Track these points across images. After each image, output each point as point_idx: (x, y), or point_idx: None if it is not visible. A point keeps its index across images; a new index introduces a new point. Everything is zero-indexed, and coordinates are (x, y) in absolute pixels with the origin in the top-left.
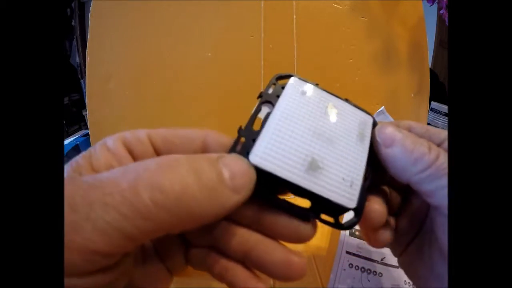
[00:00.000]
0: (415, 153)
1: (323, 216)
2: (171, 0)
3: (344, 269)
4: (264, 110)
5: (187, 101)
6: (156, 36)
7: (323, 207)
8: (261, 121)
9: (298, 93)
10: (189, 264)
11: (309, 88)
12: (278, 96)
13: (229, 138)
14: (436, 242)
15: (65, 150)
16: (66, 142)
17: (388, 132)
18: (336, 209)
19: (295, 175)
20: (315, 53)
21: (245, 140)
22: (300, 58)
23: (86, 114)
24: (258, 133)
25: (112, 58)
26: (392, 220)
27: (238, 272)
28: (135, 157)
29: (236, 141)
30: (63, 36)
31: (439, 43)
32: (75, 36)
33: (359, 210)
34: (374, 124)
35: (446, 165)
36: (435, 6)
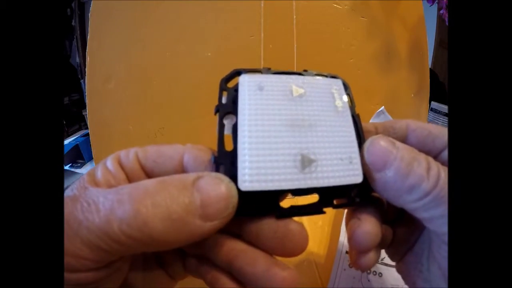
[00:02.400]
0: (410, 179)
1: (336, 201)
2: (171, 0)
3: (344, 269)
4: (229, 123)
5: (187, 101)
6: (156, 36)
7: (333, 194)
8: (231, 137)
9: (255, 90)
10: (187, 272)
11: (264, 79)
12: (235, 102)
13: (208, 153)
14: (435, 259)
15: (65, 150)
16: (66, 142)
17: (378, 151)
18: (347, 190)
19: (293, 181)
20: (315, 53)
21: (224, 167)
22: (300, 58)
23: (86, 114)
24: (234, 153)
25: (112, 58)
26: (387, 229)
27: (225, 282)
28: (126, 174)
29: (217, 169)
30: (63, 36)
31: (439, 43)
32: (75, 36)
33: (365, 180)
34: (345, 84)
35: (446, 190)
36: (435, 6)
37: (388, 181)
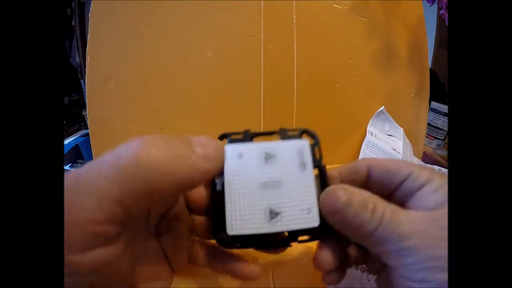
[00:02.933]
0: (356, 221)
1: (301, 238)
2: (171, 0)
3: None
4: (219, 182)
5: (187, 101)
6: (156, 36)
7: (297, 234)
8: (223, 192)
9: (236, 157)
10: (192, 263)
11: (242, 148)
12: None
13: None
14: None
15: (65, 150)
16: (66, 142)
17: (329, 200)
18: (306, 231)
19: (263, 228)
20: (315, 53)
21: (214, 219)
22: (300, 58)
23: (86, 114)
24: (222, 208)
25: (112, 58)
26: (358, 251)
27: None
28: None
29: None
30: (63, 36)
31: (439, 43)
32: (75, 36)
33: (323, 221)
34: (312, 145)
35: (391, 229)
36: (435, 6)
37: (339, 223)
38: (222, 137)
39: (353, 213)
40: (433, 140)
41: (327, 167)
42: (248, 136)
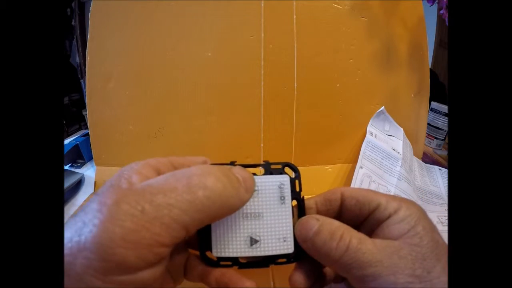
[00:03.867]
0: (323, 250)
1: (279, 260)
2: (171, 0)
3: None
4: None
5: (187, 101)
6: (156, 36)
7: (274, 258)
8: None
9: None
10: (187, 277)
11: None
12: None
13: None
14: None
15: (65, 150)
16: (66, 142)
17: (301, 230)
18: (283, 256)
19: (244, 252)
20: (315, 53)
21: (201, 240)
22: (300, 58)
23: (86, 114)
24: (209, 231)
25: (112, 58)
26: (330, 271)
27: (232, 274)
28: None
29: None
30: (63, 36)
31: (439, 43)
32: (75, 36)
33: (298, 247)
34: (292, 179)
35: (356, 257)
36: (435, 6)
37: (310, 250)
38: None
39: (321, 242)
40: (433, 140)
41: (307, 196)
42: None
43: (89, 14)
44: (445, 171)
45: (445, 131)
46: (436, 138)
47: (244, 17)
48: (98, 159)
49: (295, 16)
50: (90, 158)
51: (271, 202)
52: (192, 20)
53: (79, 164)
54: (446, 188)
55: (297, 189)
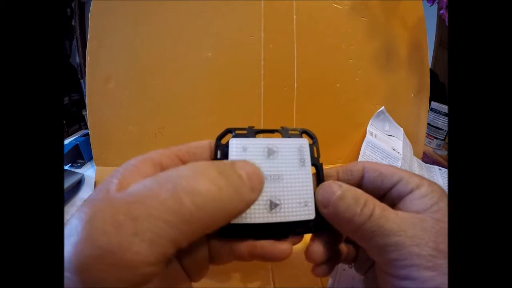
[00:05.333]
0: (346, 216)
1: (298, 230)
2: (171, 0)
3: (344, 269)
4: None
5: (187, 101)
6: (156, 36)
7: (294, 226)
8: None
9: (240, 150)
10: (216, 263)
11: (247, 142)
12: (226, 157)
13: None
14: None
15: (65, 150)
16: (66, 142)
17: (324, 193)
18: (304, 223)
19: (263, 218)
20: (315, 53)
21: None
22: (300, 58)
23: (86, 114)
24: None
25: (112, 58)
26: (349, 248)
27: (264, 243)
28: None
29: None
30: (63, 36)
31: (439, 43)
32: (75, 36)
33: (318, 215)
34: (311, 144)
35: (379, 225)
36: (435, 6)
37: (331, 216)
38: (227, 131)
39: (345, 207)
40: (433, 140)
41: (326, 167)
42: (252, 132)
43: (89, 14)
44: (445, 171)
45: (445, 131)
46: (436, 138)
47: (244, 17)
48: (98, 159)
49: (295, 16)
50: (90, 158)
51: (291, 164)
52: (192, 20)
53: (79, 164)
54: (446, 188)
55: (315, 155)
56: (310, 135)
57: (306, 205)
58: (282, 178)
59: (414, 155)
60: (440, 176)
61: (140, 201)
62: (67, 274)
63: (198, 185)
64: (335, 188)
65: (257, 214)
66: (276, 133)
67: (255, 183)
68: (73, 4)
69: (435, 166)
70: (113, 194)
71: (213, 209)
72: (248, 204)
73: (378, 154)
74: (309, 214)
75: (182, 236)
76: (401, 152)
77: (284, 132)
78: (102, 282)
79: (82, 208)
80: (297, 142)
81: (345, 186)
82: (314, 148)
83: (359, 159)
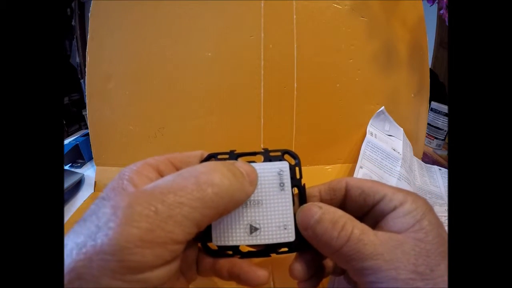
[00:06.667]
0: (324, 239)
1: (281, 250)
2: (171, 0)
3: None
4: None
5: (187, 101)
6: (156, 36)
7: (275, 247)
8: None
9: None
10: (200, 273)
11: None
12: None
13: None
14: None
15: (65, 150)
16: (66, 142)
17: (303, 217)
18: (284, 245)
19: (244, 240)
20: (315, 53)
21: (202, 231)
22: (300, 58)
23: (86, 114)
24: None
25: (112, 58)
26: (330, 263)
27: (243, 264)
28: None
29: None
30: (63, 36)
31: (439, 43)
32: (75, 36)
33: (299, 236)
34: (291, 166)
35: (357, 248)
36: (435, 6)
37: (310, 238)
38: (209, 157)
39: (322, 230)
40: (433, 140)
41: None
42: (233, 156)
43: (89, 14)
44: (445, 171)
45: (445, 131)
46: (436, 138)
47: (244, 17)
48: (98, 159)
49: (295, 16)
50: (90, 158)
51: (270, 189)
52: (192, 20)
53: (79, 164)
54: (446, 188)
55: (298, 176)
56: (293, 156)
57: (285, 228)
58: (261, 203)
59: (414, 155)
60: (440, 176)
61: (171, 192)
62: (102, 256)
63: (214, 178)
64: (314, 211)
65: (239, 237)
66: (258, 156)
67: (252, 178)
68: (73, 4)
69: (435, 166)
70: (145, 187)
71: (227, 197)
72: (248, 195)
73: (378, 154)
74: (288, 236)
75: (203, 219)
76: (401, 152)
77: (266, 155)
78: (142, 258)
79: (110, 199)
80: (277, 166)
81: (325, 208)
82: (296, 168)
83: (359, 159)
